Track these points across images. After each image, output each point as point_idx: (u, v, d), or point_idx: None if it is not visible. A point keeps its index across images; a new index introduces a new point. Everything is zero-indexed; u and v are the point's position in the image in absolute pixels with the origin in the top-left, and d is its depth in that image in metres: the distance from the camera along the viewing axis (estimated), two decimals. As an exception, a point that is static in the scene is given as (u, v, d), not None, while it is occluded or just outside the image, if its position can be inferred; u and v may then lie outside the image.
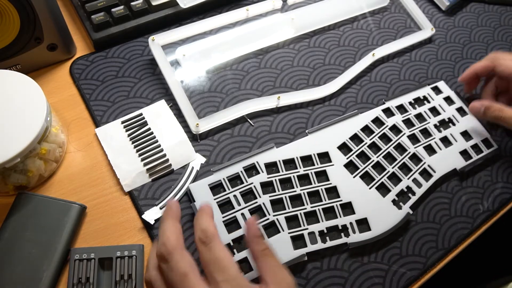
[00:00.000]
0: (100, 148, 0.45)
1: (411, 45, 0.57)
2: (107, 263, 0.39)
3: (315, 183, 0.44)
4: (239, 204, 0.42)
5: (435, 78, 0.56)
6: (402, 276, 0.42)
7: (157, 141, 0.45)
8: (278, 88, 0.52)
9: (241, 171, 0.44)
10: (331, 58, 0.55)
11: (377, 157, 0.47)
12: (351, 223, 0.43)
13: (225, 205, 0.42)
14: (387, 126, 0.49)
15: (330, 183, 0.45)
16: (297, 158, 0.45)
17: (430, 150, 0.49)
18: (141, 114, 0.47)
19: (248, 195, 0.43)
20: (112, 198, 0.43)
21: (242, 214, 0.41)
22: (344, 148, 0.47)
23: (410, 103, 0.52)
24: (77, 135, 0.46)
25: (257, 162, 0.44)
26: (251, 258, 0.39)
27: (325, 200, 0.44)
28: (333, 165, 0.46)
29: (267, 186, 0.44)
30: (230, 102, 0.50)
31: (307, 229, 0.42)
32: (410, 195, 0.45)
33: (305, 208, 0.43)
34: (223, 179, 0.43)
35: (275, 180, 0.44)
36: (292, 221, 0.42)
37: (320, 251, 0.42)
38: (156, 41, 0.50)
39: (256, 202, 0.42)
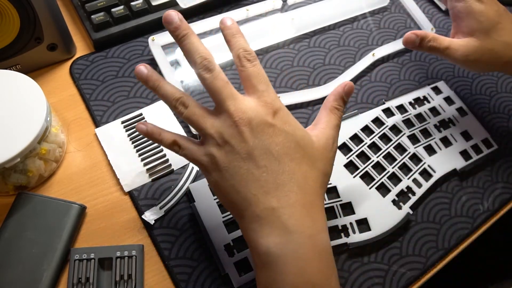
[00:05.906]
0: (100, 148, 0.45)
1: (411, 45, 0.57)
2: (107, 263, 0.39)
3: (315, 183, 0.44)
4: (239, 204, 0.42)
5: (435, 78, 0.56)
6: (402, 276, 0.42)
7: (157, 141, 0.45)
8: (278, 88, 0.52)
9: (241, 171, 0.44)
10: (331, 58, 0.55)
11: (377, 157, 0.47)
12: (351, 223, 0.43)
13: (225, 205, 0.42)
14: (387, 126, 0.49)
15: (330, 183, 0.45)
16: (297, 158, 0.45)
17: (430, 150, 0.49)
18: (141, 114, 0.47)
19: (248, 195, 0.43)
20: (112, 198, 0.43)
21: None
22: (344, 148, 0.47)
23: (410, 103, 0.52)
24: (77, 135, 0.46)
25: (257, 162, 0.44)
26: (251, 260, 0.39)
27: (325, 200, 0.44)
28: (333, 165, 0.46)
29: (267, 186, 0.44)
30: (230, 102, 0.49)
31: (307, 229, 0.42)
32: (410, 195, 0.45)
33: (305, 208, 0.43)
34: (223, 179, 0.43)
35: (275, 180, 0.44)
36: (292, 221, 0.42)
37: (320, 251, 0.42)
38: (156, 41, 0.50)
39: (256, 202, 0.42)
